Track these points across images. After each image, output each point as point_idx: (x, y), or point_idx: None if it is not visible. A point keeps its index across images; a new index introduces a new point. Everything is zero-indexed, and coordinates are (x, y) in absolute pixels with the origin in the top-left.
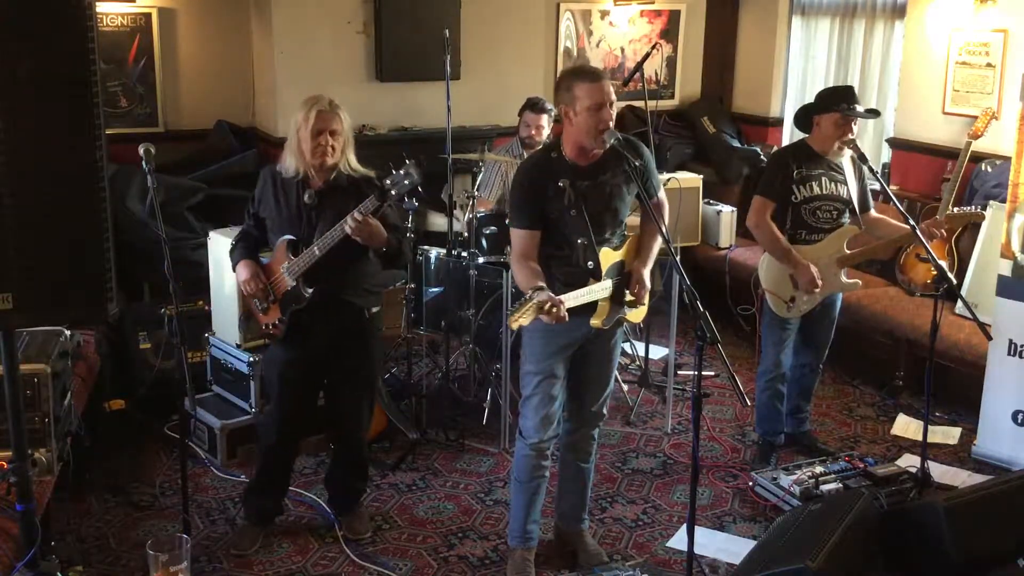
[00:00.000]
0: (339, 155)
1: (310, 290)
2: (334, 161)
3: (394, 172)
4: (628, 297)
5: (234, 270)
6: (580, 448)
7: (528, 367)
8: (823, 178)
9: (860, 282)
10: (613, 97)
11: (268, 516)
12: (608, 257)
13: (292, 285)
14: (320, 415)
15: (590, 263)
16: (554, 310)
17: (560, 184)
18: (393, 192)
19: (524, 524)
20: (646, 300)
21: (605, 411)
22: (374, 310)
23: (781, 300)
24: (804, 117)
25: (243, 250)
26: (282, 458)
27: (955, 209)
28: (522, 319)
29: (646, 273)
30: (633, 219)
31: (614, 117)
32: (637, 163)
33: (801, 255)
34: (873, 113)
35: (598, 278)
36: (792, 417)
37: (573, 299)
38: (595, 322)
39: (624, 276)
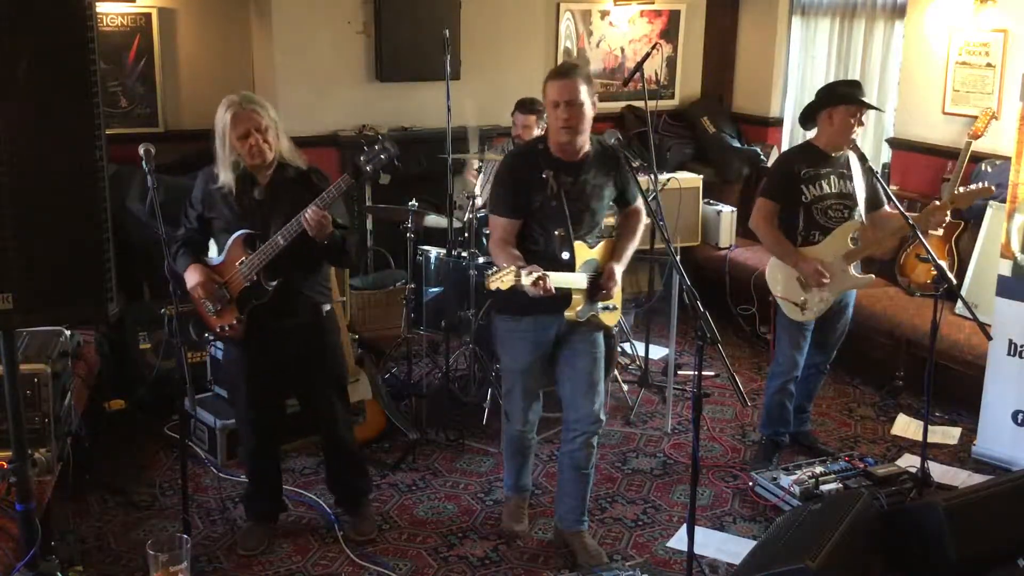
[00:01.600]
0: (275, 148)
1: (272, 283)
2: (273, 155)
3: (366, 149)
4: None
5: (182, 276)
6: (579, 454)
7: (504, 363)
8: (831, 176)
9: (873, 277)
10: (576, 97)
11: (272, 515)
12: (583, 252)
13: (251, 281)
14: (302, 417)
15: (565, 254)
16: (540, 282)
17: (544, 175)
18: (368, 168)
19: (517, 479)
20: (616, 296)
21: (602, 416)
22: (328, 308)
23: (793, 304)
24: (812, 113)
25: (188, 255)
26: (268, 459)
27: (960, 189)
28: (500, 282)
29: (618, 270)
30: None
31: (582, 117)
32: (637, 164)
33: (807, 255)
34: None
35: (572, 270)
36: (795, 417)
37: (553, 280)
38: (569, 314)
39: (598, 273)
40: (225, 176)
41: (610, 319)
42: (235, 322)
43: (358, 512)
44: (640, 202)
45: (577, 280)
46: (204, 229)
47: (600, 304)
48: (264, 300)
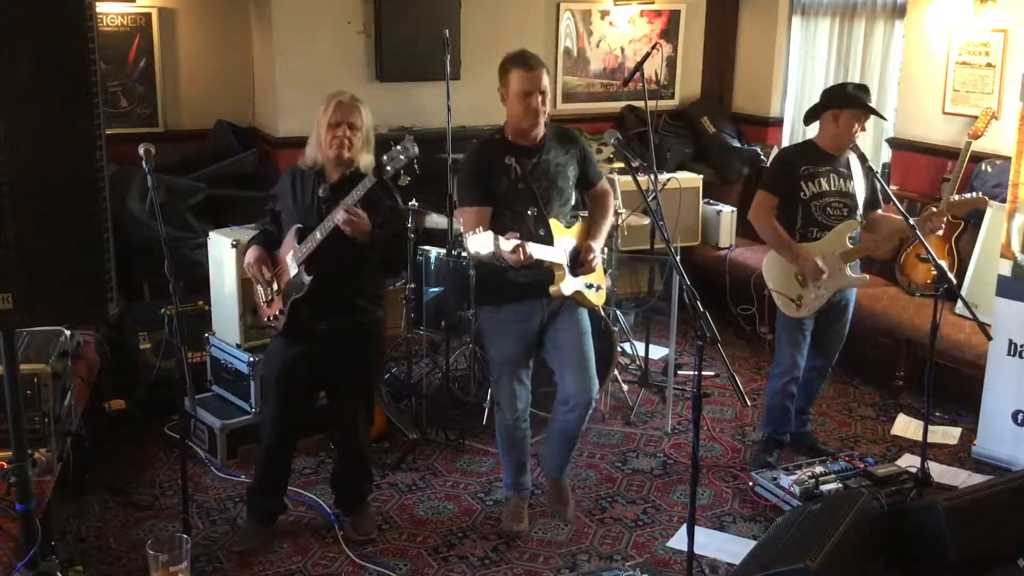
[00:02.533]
0: (356, 151)
1: (309, 277)
2: (350, 156)
3: (392, 147)
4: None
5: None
6: (571, 427)
7: (489, 354)
8: (831, 175)
9: (867, 277)
10: (544, 86)
11: (271, 515)
12: (559, 229)
13: (295, 273)
14: (319, 415)
15: (541, 231)
16: (520, 249)
17: (507, 161)
18: (389, 167)
19: (516, 477)
20: (599, 276)
21: (594, 392)
22: (373, 316)
23: (788, 299)
24: (817, 112)
25: (256, 241)
26: (281, 456)
27: (956, 197)
28: (479, 243)
29: (596, 246)
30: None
31: (545, 106)
32: (637, 164)
33: (804, 250)
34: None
35: (551, 245)
36: (795, 418)
37: (532, 250)
38: (553, 288)
39: (577, 251)
40: (310, 156)
41: (596, 298)
42: (278, 313)
43: (358, 512)
44: (604, 182)
45: (556, 254)
46: (276, 222)
47: (583, 281)
48: (303, 294)
